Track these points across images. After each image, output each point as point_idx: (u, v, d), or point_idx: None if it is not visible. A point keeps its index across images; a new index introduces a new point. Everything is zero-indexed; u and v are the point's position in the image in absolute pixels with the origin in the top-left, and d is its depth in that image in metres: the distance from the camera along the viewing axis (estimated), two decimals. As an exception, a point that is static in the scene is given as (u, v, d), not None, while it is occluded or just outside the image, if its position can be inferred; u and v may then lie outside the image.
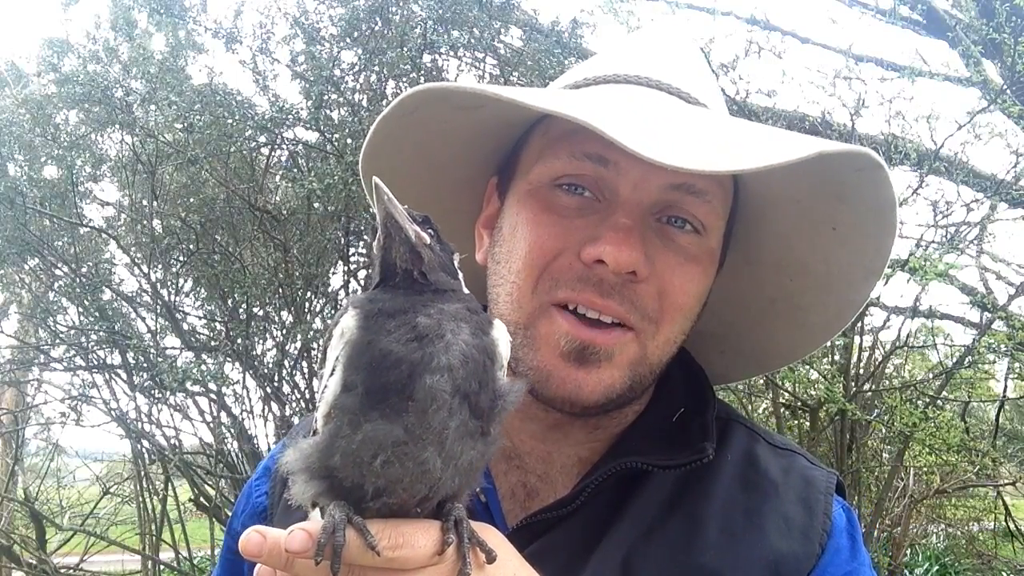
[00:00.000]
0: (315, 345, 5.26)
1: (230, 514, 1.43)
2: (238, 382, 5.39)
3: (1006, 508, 8.08)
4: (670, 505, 1.02)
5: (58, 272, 5.48)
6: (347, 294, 5.45)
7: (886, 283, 5.03)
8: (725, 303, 1.21)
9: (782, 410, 5.84)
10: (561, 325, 1.02)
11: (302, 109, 4.77)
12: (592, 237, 1.00)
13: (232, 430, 5.62)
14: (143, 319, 5.71)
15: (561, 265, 1.02)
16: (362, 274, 5.42)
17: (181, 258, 5.44)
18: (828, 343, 5.68)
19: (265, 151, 5.34)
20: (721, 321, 1.23)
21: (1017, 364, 5.93)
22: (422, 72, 4.71)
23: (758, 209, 1.12)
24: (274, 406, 5.38)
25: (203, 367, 4.81)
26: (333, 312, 5.37)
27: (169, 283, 5.53)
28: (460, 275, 0.90)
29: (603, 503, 1.02)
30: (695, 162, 0.86)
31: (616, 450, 1.08)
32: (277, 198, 5.44)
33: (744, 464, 1.08)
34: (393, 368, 0.76)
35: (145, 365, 5.19)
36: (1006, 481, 7.81)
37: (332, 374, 0.80)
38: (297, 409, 5.30)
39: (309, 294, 5.33)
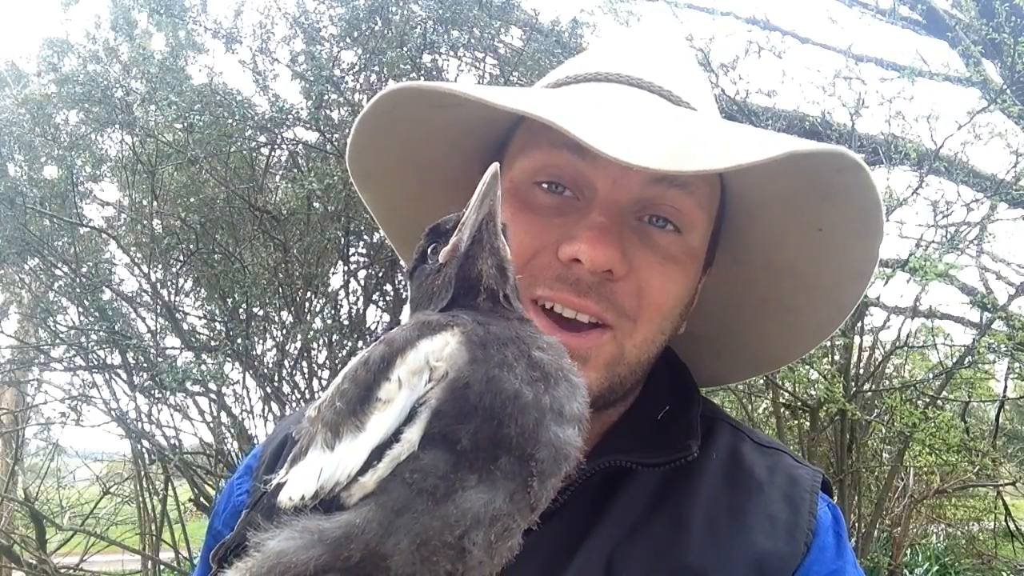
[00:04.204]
0: (315, 345, 5.26)
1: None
2: (238, 382, 5.39)
3: (1006, 508, 8.08)
4: (654, 504, 1.01)
5: (58, 272, 5.47)
6: (347, 294, 5.43)
7: (886, 283, 5.03)
8: (718, 304, 1.20)
9: (782, 410, 5.84)
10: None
11: (302, 109, 4.77)
12: (569, 236, 1.00)
13: (232, 430, 5.62)
14: (143, 319, 5.70)
15: (540, 263, 1.02)
16: (362, 274, 5.42)
17: (181, 258, 5.43)
18: (828, 343, 5.70)
19: (265, 151, 5.34)
20: (715, 323, 1.22)
21: (1017, 364, 5.93)
22: (422, 72, 4.71)
23: (745, 209, 1.11)
24: (274, 406, 5.38)
25: (203, 367, 4.80)
26: (333, 312, 5.36)
27: (169, 283, 5.52)
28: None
29: (587, 501, 1.01)
30: (661, 161, 0.85)
31: (601, 448, 1.07)
32: (277, 198, 5.43)
33: (729, 462, 1.07)
34: (519, 415, 0.59)
35: (145, 365, 5.19)
36: (1006, 481, 7.82)
37: (409, 422, 0.60)
38: (297, 409, 5.28)
39: (309, 294, 5.32)
